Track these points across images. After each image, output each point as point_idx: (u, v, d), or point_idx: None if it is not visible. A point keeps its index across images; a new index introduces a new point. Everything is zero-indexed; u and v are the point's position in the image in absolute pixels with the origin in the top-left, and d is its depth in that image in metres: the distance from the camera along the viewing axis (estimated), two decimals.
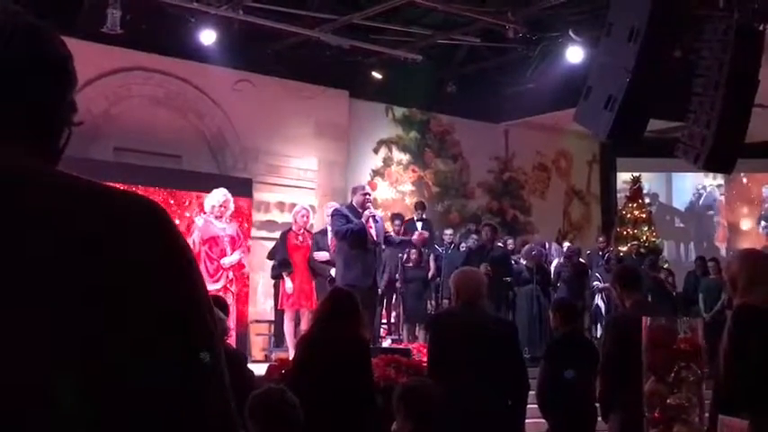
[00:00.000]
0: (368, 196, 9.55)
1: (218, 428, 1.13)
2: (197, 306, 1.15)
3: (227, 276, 9.97)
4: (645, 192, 18.61)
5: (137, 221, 1.13)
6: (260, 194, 13.88)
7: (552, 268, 13.88)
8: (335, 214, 9.56)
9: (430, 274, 12.53)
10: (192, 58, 13.24)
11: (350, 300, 5.70)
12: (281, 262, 10.86)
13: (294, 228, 10.95)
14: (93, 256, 1.08)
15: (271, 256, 11.70)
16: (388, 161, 16.35)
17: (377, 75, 14.88)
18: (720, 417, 3.18)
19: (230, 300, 9.34)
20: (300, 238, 10.83)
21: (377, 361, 7.42)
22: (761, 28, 8.32)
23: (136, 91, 13.24)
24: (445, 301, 11.73)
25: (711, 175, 18.38)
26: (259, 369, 8.13)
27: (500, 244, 13.41)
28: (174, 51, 13.16)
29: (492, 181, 17.76)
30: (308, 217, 11.10)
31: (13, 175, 1.12)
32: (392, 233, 11.22)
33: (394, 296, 12.59)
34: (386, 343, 11.26)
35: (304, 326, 10.08)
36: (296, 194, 14.24)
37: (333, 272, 9.94)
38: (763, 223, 19.51)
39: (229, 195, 10.12)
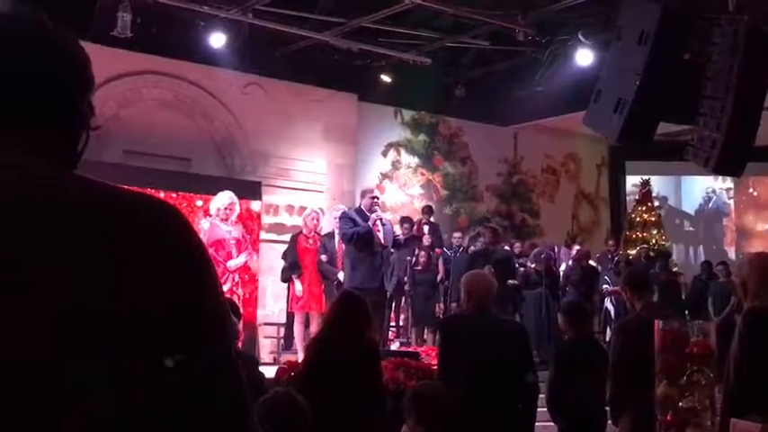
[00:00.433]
0: (376, 200, 9.56)
1: (231, 416, 1.14)
2: (209, 300, 1.16)
3: (234, 279, 9.98)
4: (654, 195, 18.56)
5: (150, 221, 1.15)
6: (269, 197, 13.88)
7: (561, 271, 13.85)
8: (343, 217, 9.58)
9: (438, 278, 12.52)
10: (202, 61, 13.27)
11: (359, 303, 5.70)
12: (291, 265, 10.87)
13: (304, 231, 10.97)
14: (109, 255, 1.09)
15: (285, 257, 11.73)
16: (396, 164, 16.35)
17: (386, 78, 14.88)
18: (732, 420, 3.17)
19: (237, 302, 9.35)
20: (310, 240, 10.84)
21: (385, 364, 7.42)
22: None
23: (145, 94, 13.27)
24: (453, 305, 11.73)
25: (721, 178, 18.35)
26: (268, 372, 8.13)
27: (507, 247, 13.40)
28: (184, 55, 13.19)
29: (501, 184, 17.74)
30: (317, 220, 11.11)
31: (30, 178, 1.13)
32: (401, 236, 11.22)
33: (402, 299, 12.60)
34: (394, 346, 11.25)
35: (313, 328, 10.08)
36: (305, 197, 14.25)
37: (340, 275, 9.95)
38: None
39: (235, 198, 10.12)
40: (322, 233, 11.14)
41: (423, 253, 12.36)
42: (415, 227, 10.39)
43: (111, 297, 1.07)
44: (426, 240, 12.62)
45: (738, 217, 19.92)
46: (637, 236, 17.33)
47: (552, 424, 6.68)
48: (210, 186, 11.59)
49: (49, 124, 1.22)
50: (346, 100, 15.16)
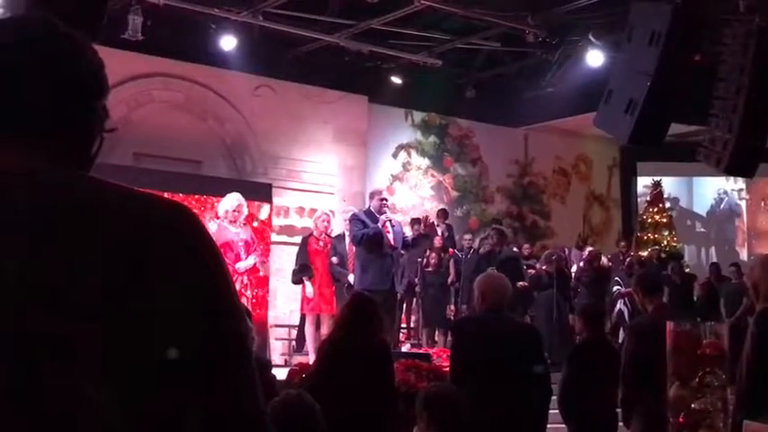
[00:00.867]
0: (385, 201, 9.56)
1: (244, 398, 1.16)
2: (224, 300, 1.18)
3: (242, 281, 9.98)
4: (665, 196, 18.51)
5: (163, 222, 1.16)
6: (279, 199, 13.90)
7: (572, 273, 13.82)
8: (353, 219, 9.58)
9: (449, 279, 12.51)
10: (213, 63, 13.31)
11: (371, 305, 5.71)
12: (301, 267, 10.87)
13: (315, 232, 10.97)
14: (122, 257, 1.09)
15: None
16: (407, 166, 16.36)
17: (396, 80, 14.88)
18: (745, 422, 3.16)
19: (246, 304, 9.35)
20: (321, 242, 10.84)
21: (396, 365, 7.40)
22: None
23: (156, 96, 13.31)
24: (464, 306, 11.72)
25: (732, 179, 18.28)
26: (280, 374, 8.13)
27: (515, 248, 13.37)
28: (195, 57, 13.23)
29: (511, 186, 17.72)
30: (328, 222, 11.10)
31: (44, 182, 1.14)
32: (409, 237, 11.23)
33: (413, 301, 12.59)
34: (405, 348, 11.24)
35: (324, 330, 10.08)
36: (315, 199, 14.26)
37: (351, 278, 9.96)
38: None
39: (242, 200, 10.11)
40: (333, 235, 11.13)
41: (433, 254, 12.36)
42: (422, 225, 10.39)
43: (124, 298, 1.08)
44: (437, 242, 12.61)
45: (750, 218, 19.85)
46: (648, 237, 17.27)
47: (564, 425, 6.67)
48: (221, 188, 11.58)
49: (64, 128, 1.23)
50: (357, 102, 15.17)
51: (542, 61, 14.69)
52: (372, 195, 9.84)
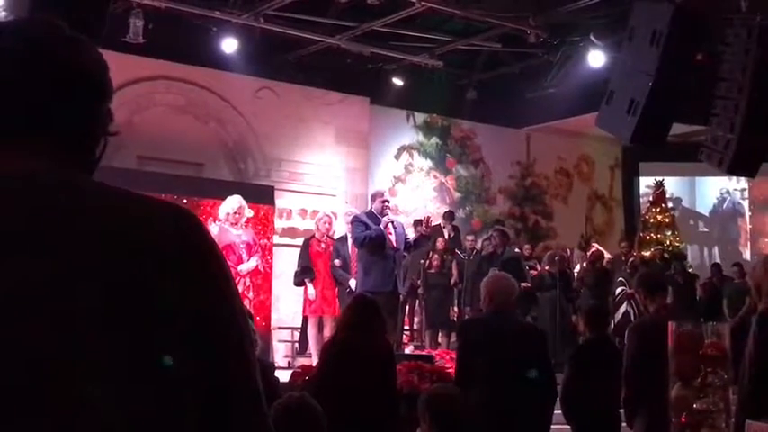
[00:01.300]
0: (386, 203, 9.55)
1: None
2: (227, 303, 1.19)
3: (245, 283, 9.98)
4: (668, 196, 18.47)
5: (166, 226, 1.16)
6: (282, 201, 13.90)
7: (575, 273, 13.82)
8: (355, 221, 9.58)
9: (452, 281, 12.50)
10: (214, 66, 13.31)
11: (373, 306, 5.71)
12: (304, 269, 10.87)
13: (317, 234, 10.97)
14: (125, 260, 1.10)
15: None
16: (409, 167, 16.35)
17: (397, 81, 14.89)
18: (747, 422, 3.16)
19: (248, 306, 9.35)
20: (323, 244, 10.85)
21: (399, 367, 7.41)
22: None
23: (158, 100, 13.32)
24: (467, 308, 11.72)
25: (735, 179, 18.26)
26: (283, 376, 8.13)
27: (517, 249, 13.36)
28: (196, 60, 13.24)
29: (513, 186, 17.72)
30: (330, 223, 11.11)
31: (47, 185, 1.14)
32: (410, 238, 11.23)
33: (416, 302, 12.58)
34: (408, 349, 11.24)
35: (327, 332, 10.09)
36: (318, 201, 14.25)
37: (352, 282, 9.95)
38: None
39: (243, 202, 10.12)
40: (335, 237, 11.13)
41: (436, 256, 12.35)
42: (424, 225, 10.42)
43: (125, 300, 1.08)
44: (440, 244, 12.60)
45: (753, 218, 19.83)
46: (651, 237, 17.23)
47: (567, 426, 6.67)
48: (223, 191, 11.58)
49: (68, 130, 1.23)
50: (358, 103, 15.17)
51: (544, 62, 14.69)
52: (374, 197, 9.83)
